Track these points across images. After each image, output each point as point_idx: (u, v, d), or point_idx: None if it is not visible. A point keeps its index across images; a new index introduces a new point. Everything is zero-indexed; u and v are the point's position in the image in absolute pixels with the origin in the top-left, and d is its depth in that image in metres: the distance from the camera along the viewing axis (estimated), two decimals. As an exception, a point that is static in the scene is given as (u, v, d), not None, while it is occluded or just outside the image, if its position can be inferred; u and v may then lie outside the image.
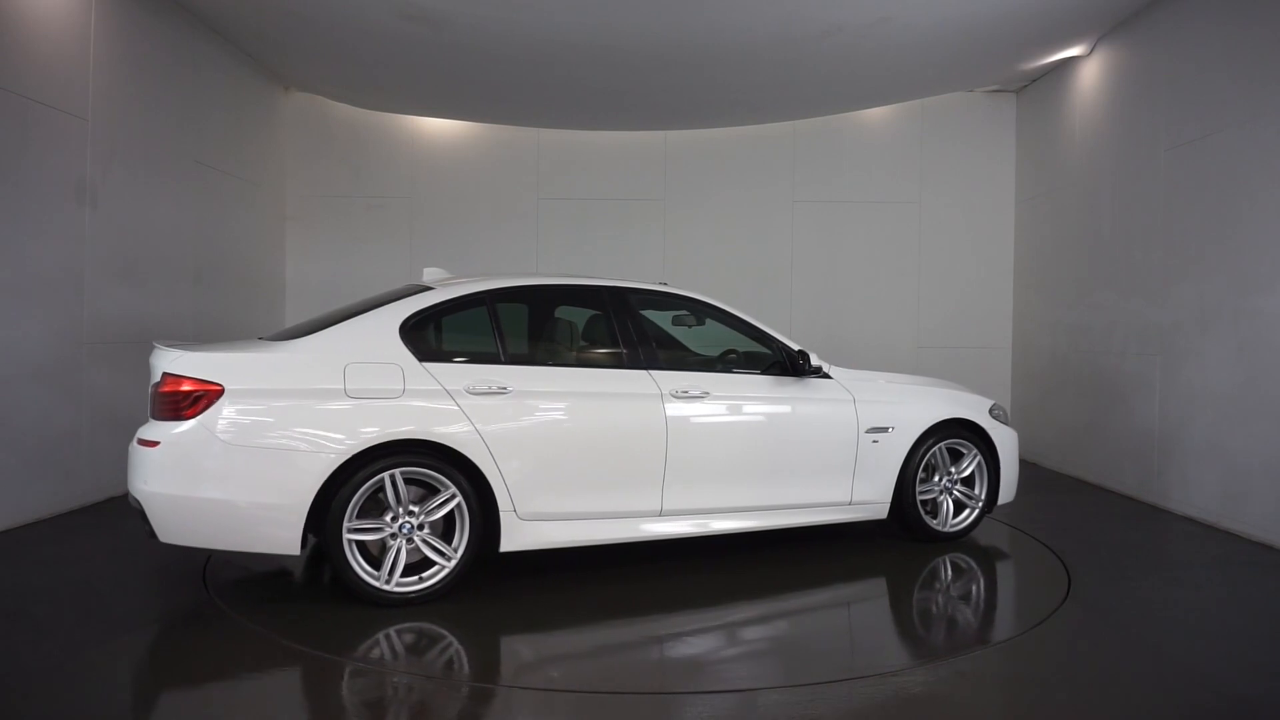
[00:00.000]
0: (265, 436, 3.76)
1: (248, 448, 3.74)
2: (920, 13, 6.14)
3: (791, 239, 9.19)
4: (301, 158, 9.09)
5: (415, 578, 3.99)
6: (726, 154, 9.21)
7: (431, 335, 4.27)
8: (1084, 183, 7.61)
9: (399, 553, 3.94)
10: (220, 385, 3.75)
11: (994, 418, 5.33)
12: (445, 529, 4.08)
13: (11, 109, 5.12)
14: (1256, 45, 5.45)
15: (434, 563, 4.01)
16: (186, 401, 3.73)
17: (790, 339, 4.93)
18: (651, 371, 4.49)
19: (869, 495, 4.94)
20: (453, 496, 4.01)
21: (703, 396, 4.53)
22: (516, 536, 4.14)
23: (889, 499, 5.00)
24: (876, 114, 9.14)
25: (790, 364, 4.81)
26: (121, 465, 5.86)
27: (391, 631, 3.75)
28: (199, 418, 3.71)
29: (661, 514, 4.45)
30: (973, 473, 5.25)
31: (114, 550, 4.91)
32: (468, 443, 4.00)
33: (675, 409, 4.44)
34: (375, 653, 3.54)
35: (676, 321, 5.04)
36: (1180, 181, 6.20)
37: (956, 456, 5.23)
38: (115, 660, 3.40)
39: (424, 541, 3.99)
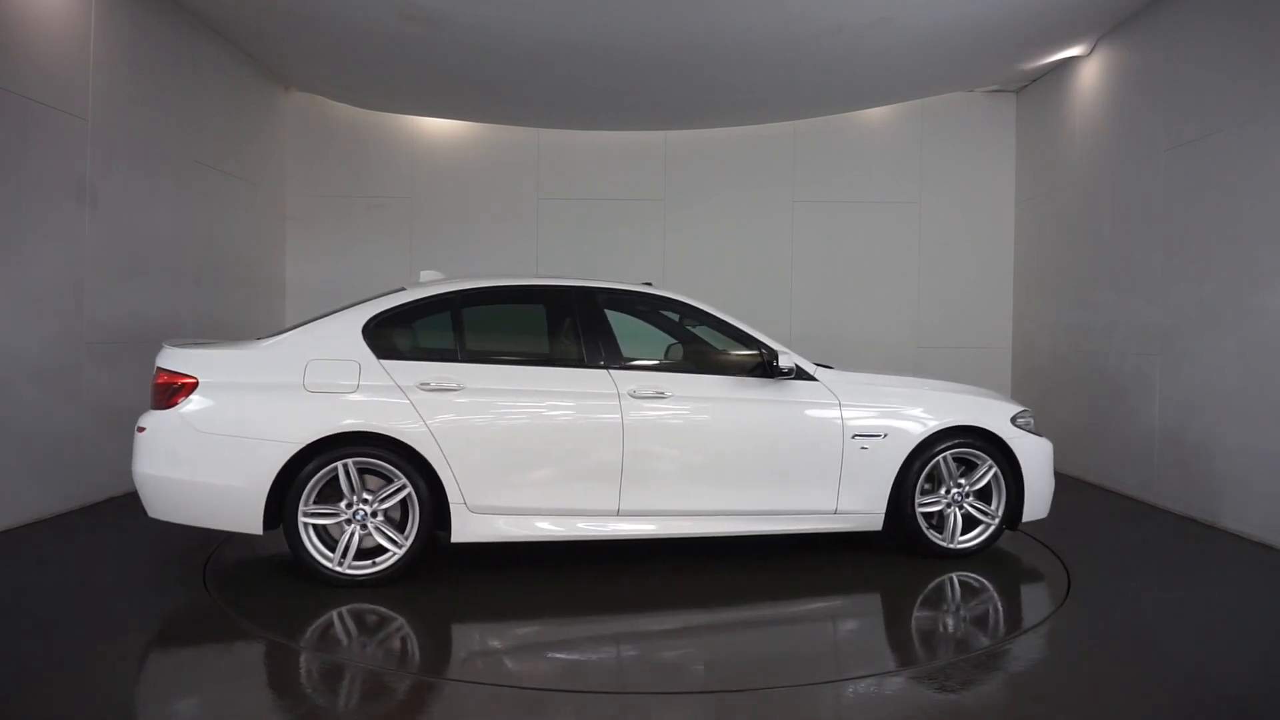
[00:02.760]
0: (231, 425, 4.14)
1: (216, 435, 4.12)
2: (920, 13, 6.14)
3: (791, 239, 9.19)
4: (301, 158, 9.09)
5: (369, 561, 4.25)
6: (726, 154, 9.21)
7: (394, 334, 4.47)
8: (1084, 183, 7.61)
9: (352, 537, 4.22)
10: (195, 378, 4.16)
11: (1017, 426, 4.91)
12: (403, 517, 4.30)
13: (11, 109, 5.12)
14: (1256, 45, 5.45)
15: (386, 549, 4.26)
16: (168, 393, 4.17)
17: (771, 339, 4.75)
18: (612, 371, 4.50)
19: (858, 505, 4.69)
20: (403, 487, 4.23)
21: (664, 397, 4.48)
22: (467, 528, 4.31)
23: (882, 510, 4.73)
24: (876, 114, 9.14)
25: (768, 365, 4.65)
26: (121, 465, 5.99)
27: (370, 621, 3.78)
28: (177, 407, 4.14)
29: (619, 514, 4.44)
30: (989, 485, 4.88)
31: (114, 550, 4.92)
32: (416, 436, 4.21)
33: (633, 409, 4.42)
34: (365, 648, 3.56)
35: (683, 322, 5.02)
36: (1180, 181, 6.20)
37: (971, 467, 4.88)
38: (115, 660, 3.40)
39: (376, 529, 4.25)
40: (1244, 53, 5.57)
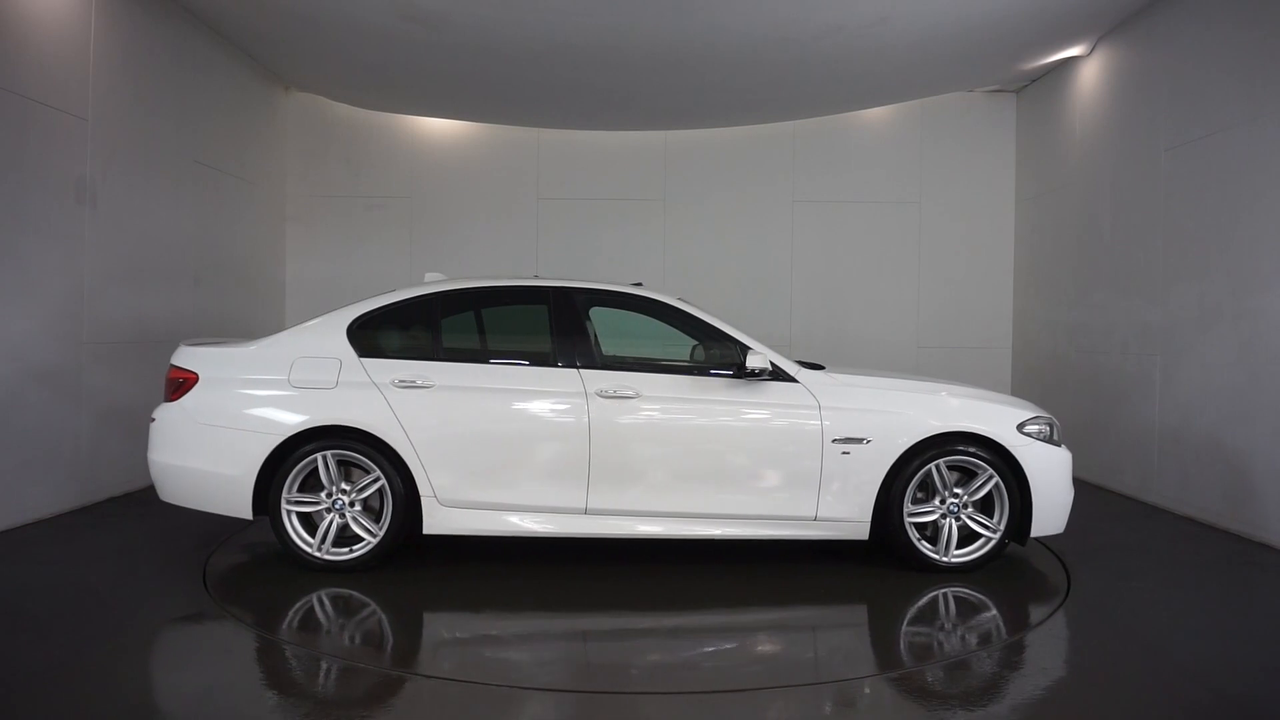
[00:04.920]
0: (225, 417, 4.44)
1: (212, 426, 4.44)
2: (920, 13, 6.14)
3: (791, 239, 9.19)
4: (301, 158, 9.09)
5: (347, 549, 4.47)
6: (726, 154, 9.21)
7: (375, 334, 4.66)
8: (1084, 183, 7.61)
9: (330, 525, 4.46)
10: (196, 374, 4.50)
11: (1026, 433, 4.58)
12: (381, 507, 4.50)
13: (11, 109, 5.12)
14: (1256, 45, 5.45)
15: (362, 537, 4.48)
16: (175, 387, 4.54)
17: (751, 339, 4.65)
18: (581, 370, 4.54)
19: (840, 512, 4.53)
20: (377, 479, 4.44)
21: (631, 397, 4.48)
22: (437, 520, 4.48)
23: (867, 518, 4.54)
24: (876, 114, 9.14)
25: (740, 366, 4.56)
26: (121, 465, 5.98)
27: (354, 615, 3.80)
28: (180, 400, 4.49)
29: (587, 512, 4.48)
30: (991, 496, 4.59)
31: (114, 550, 4.92)
32: (388, 430, 4.41)
33: (600, 408, 4.45)
34: (351, 644, 3.57)
35: (664, 322, 4.97)
36: (1180, 181, 6.20)
37: (970, 476, 4.63)
38: (115, 660, 3.40)
39: (353, 518, 4.48)
40: (1244, 53, 5.57)
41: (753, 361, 4.51)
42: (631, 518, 4.51)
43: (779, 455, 4.52)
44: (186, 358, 4.58)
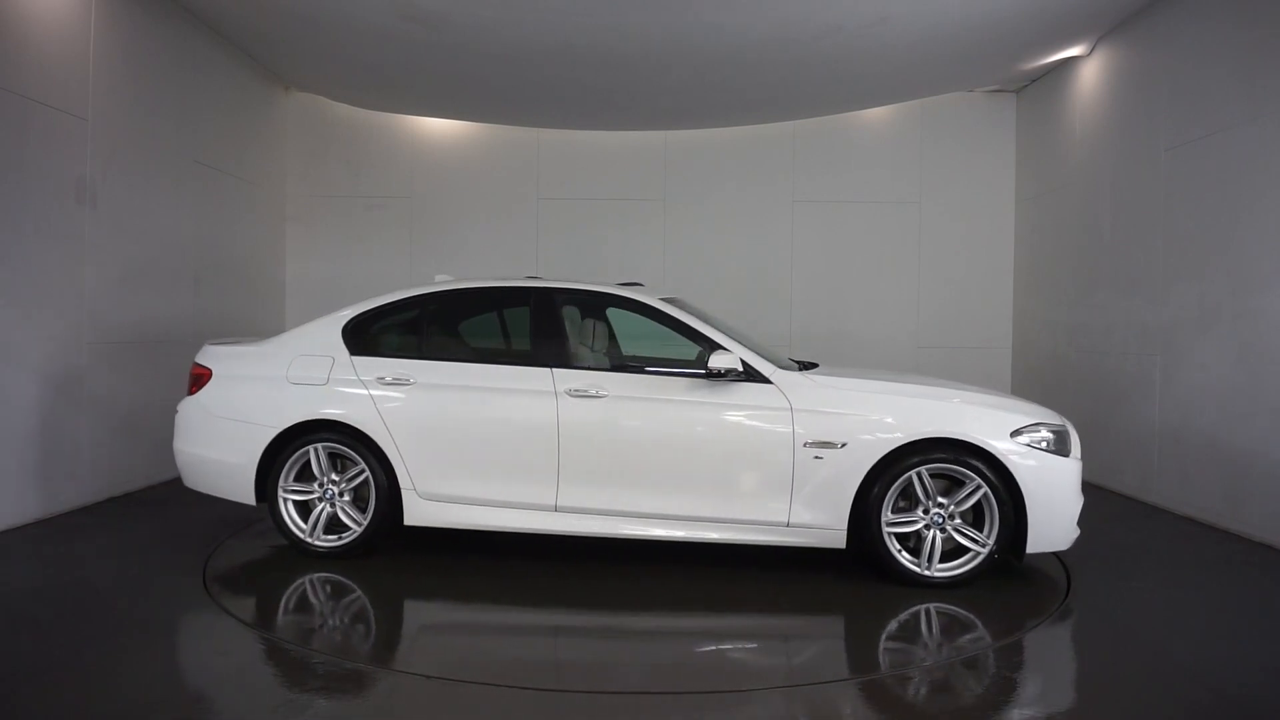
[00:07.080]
0: (234, 410, 4.77)
1: (223, 418, 4.79)
2: (920, 13, 6.14)
3: (791, 239, 9.19)
4: (301, 158, 9.09)
5: (336, 536, 4.71)
6: (726, 154, 9.21)
7: (367, 333, 4.90)
8: (1084, 183, 7.61)
9: (321, 513, 4.71)
10: (210, 369, 4.87)
11: (1021, 441, 4.25)
12: (368, 498, 4.70)
13: (11, 109, 5.12)
14: (1256, 45, 5.45)
15: (349, 526, 4.70)
16: (194, 382, 4.93)
17: (728, 338, 4.56)
18: (554, 369, 4.61)
19: (814, 519, 4.35)
20: (363, 471, 4.65)
21: (600, 396, 4.50)
22: (417, 512, 4.65)
23: (843, 527, 4.33)
24: (876, 114, 9.14)
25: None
26: (122, 464, 5.98)
27: (347, 613, 3.79)
28: (198, 394, 4.87)
29: (557, 509, 4.53)
30: (980, 508, 4.31)
31: (114, 550, 4.93)
32: (372, 425, 4.63)
33: (569, 407, 4.50)
34: (348, 643, 3.56)
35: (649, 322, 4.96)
36: (1180, 181, 6.20)
37: (959, 485, 4.33)
38: (115, 660, 3.40)
39: (342, 508, 4.71)
40: (1244, 53, 5.57)
41: (716, 362, 4.37)
42: (601, 517, 4.52)
43: (747, 458, 4.41)
44: (205, 355, 4.97)
